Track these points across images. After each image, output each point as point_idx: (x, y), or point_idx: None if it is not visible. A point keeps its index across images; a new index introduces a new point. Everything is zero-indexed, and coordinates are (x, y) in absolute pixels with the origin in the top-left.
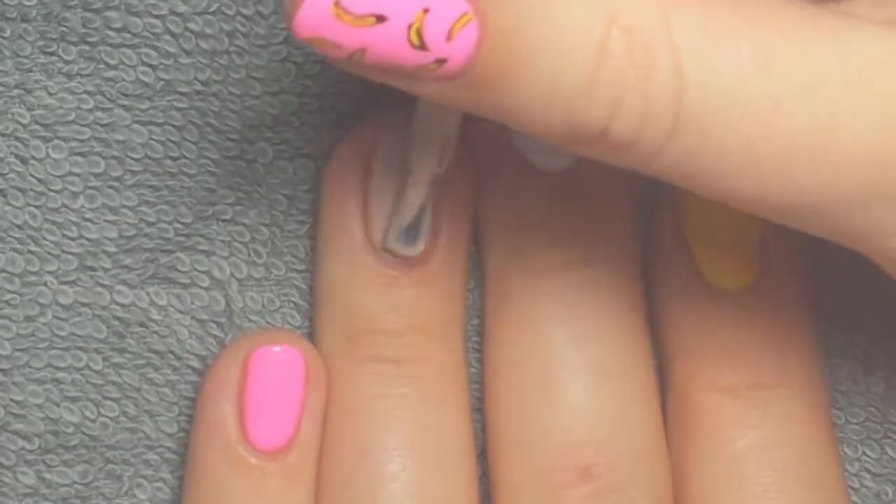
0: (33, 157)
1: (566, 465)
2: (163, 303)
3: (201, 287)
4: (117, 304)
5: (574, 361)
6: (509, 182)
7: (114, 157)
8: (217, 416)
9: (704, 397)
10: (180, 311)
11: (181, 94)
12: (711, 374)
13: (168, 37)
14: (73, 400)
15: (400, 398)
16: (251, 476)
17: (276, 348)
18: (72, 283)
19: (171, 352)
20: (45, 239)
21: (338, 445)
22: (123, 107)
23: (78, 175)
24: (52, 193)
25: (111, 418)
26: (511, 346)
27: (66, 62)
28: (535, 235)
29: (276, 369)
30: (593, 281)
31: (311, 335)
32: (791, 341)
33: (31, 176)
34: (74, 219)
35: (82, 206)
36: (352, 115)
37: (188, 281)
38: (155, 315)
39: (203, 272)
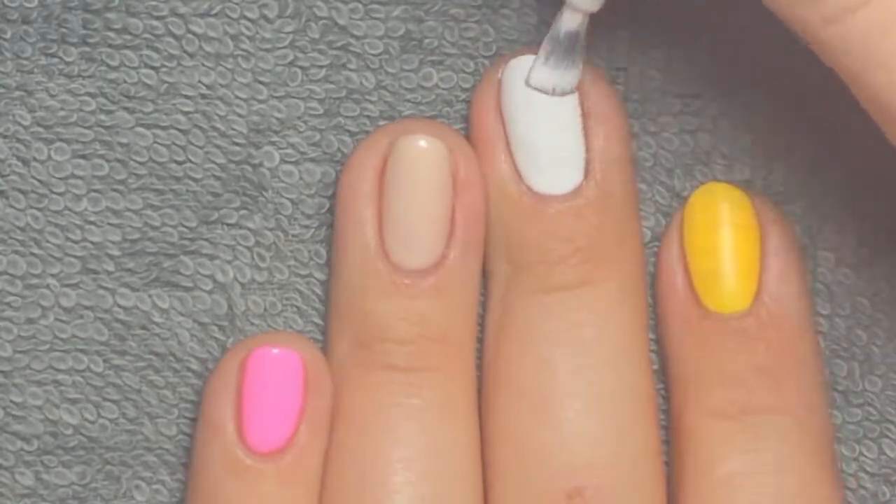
0: (35, 159)
1: (560, 487)
2: (165, 306)
3: (204, 290)
4: (119, 306)
5: (573, 385)
6: (516, 199)
7: (117, 160)
8: (217, 417)
9: (697, 420)
10: (182, 314)
11: (186, 97)
12: (704, 398)
13: (170, 39)
14: (73, 402)
15: (409, 408)
16: (247, 477)
17: (274, 350)
18: (74, 285)
19: (172, 354)
20: (47, 241)
21: (343, 455)
22: (126, 109)
23: (81, 178)
24: (54, 196)
25: (110, 420)
26: (511, 365)
27: (67, 63)
28: (541, 254)
29: (273, 371)
30: (598, 302)
31: (323, 341)
32: (788, 367)
33: (33, 178)
34: (78, 221)
35: (86, 209)
36: (358, 120)
37: (191, 284)
38: (157, 318)
39: (206, 276)
